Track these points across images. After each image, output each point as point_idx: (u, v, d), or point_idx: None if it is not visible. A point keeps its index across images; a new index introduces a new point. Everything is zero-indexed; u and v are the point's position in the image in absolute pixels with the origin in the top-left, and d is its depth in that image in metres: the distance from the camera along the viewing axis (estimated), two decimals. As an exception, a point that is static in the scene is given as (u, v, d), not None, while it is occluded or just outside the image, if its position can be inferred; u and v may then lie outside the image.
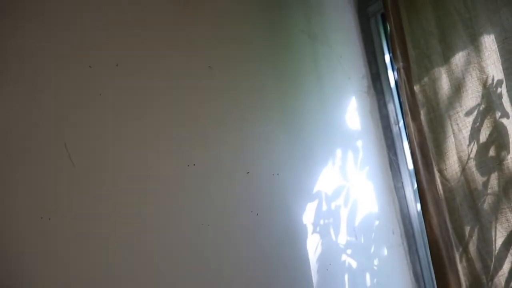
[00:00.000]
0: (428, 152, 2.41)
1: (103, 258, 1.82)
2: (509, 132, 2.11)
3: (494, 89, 2.16)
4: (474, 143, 2.22)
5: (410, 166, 2.72)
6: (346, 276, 2.39)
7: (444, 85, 2.31)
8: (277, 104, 2.49)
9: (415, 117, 2.45)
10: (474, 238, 2.20)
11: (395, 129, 2.82)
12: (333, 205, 2.53)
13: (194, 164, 2.18)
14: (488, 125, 2.17)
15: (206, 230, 2.13)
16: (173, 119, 2.14)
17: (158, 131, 2.09)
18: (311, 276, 2.31)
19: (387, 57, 2.90)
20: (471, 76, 2.22)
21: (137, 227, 1.93)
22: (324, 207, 2.49)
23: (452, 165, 2.30)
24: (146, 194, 1.99)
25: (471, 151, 2.24)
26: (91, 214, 1.83)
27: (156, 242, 1.96)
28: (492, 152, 2.18)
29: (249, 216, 2.29)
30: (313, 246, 2.37)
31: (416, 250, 2.58)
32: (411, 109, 2.47)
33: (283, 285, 2.26)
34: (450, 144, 2.30)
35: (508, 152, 2.12)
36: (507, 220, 2.11)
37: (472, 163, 2.24)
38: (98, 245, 1.82)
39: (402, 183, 2.73)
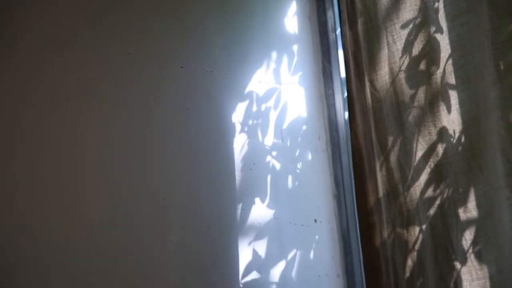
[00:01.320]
0: (362, 62, 2.42)
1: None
2: (441, 47, 2.13)
3: (432, 3, 2.17)
4: (406, 55, 2.25)
5: (343, 74, 2.74)
6: (269, 177, 2.44)
7: (384, -5, 2.31)
8: (218, 5, 2.46)
9: (352, 26, 2.45)
10: (396, 148, 2.27)
11: (331, 36, 2.82)
12: (263, 107, 2.54)
13: (129, 53, 2.13)
14: (422, 39, 2.19)
15: (135, 122, 2.12)
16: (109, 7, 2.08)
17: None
18: (235, 174, 2.34)
19: (329, -37, 2.85)
20: (411, -13, 2.22)
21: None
22: (254, 108, 2.50)
23: (383, 76, 2.33)
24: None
25: (403, 63, 2.27)
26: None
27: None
28: (422, 66, 2.21)
29: (179, 111, 2.28)
30: (239, 145, 2.39)
31: (340, 156, 2.64)
32: (349, 18, 2.46)
33: (208, 178, 2.29)
34: (383, 55, 2.32)
35: (438, 67, 2.16)
36: (429, 133, 2.17)
37: (402, 75, 2.27)
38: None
39: (333, 90, 2.76)
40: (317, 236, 2.47)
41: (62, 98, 2.08)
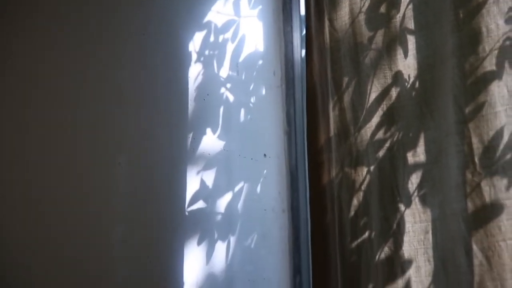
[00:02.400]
0: (322, 1, 2.41)
1: None
2: (403, -10, 2.14)
3: None
4: (368, -3, 2.25)
5: (303, 12, 2.71)
6: (221, 109, 2.42)
7: None
8: None
9: (314, -38, 2.43)
10: (350, 89, 2.28)
11: (293, -28, 2.78)
12: (220, 38, 2.50)
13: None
14: (384, -19, 2.19)
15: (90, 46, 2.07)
16: None
17: None
18: (188, 103, 2.32)
19: None
20: None
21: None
22: (212, 38, 2.46)
23: (343, 16, 2.32)
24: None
25: (363, 5, 2.27)
26: None
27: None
28: (383, 9, 2.21)
29: (137, 36, 2.24)
30: (194, 75, 2.36)
31: (293, 94, 2.64)
32: (311, -47, 2.44)
33: (160, 104, 2.27)
34: (345, -5, 2.31)
35: (398, 11, 2.16)
36: (384, 76, 2.19)
37: (362, 17, 2.27)
38: None
39: (292, 27, 2.73)
40: (265, 171, 2.48)
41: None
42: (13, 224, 1.95)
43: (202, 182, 2.28)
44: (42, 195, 1.99)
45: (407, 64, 2.14)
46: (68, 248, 1.98)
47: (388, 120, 2.17)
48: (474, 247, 1.84)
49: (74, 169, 2.06)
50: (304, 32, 2.65)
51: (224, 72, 2.47)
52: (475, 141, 1.90)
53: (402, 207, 2.07)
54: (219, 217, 2.31)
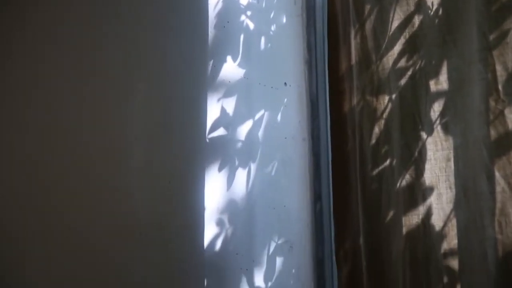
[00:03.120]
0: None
1: None
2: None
3: None
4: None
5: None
6: (242, 36, 2.40)
7: None
8: None
9: None
10: (372, 17, 2.25)
11: None
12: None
13: None
14: None
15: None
16: None
17: None
18: (208, 30, 2.30)
19: None
20: None
21: None
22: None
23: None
24: None
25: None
26: None
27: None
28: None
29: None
30: (214, 2, 2.33)
31: (314, 22, 2.60)
32: None
33: (180, 31, 2.25)
34: None
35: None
36: (407, 3, 2.16)
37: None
38: None
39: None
40: (285, 99, 2.48)
41: None
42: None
43: (223, 110, 2.28)
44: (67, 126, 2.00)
45: (430, -9, 2.11)
46: (90, 173, 2.01)
47: (410, 48, 2.15)
48: (496, 174, 1.86)
49: (93, 93, 2.06)
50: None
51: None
52: (499, 68, 1.88)
53: (424, 135, 2.07)
54: (239, 145, 2.32)
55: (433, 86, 2.07)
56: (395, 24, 2.20)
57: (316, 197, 2.49)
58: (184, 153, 2.22)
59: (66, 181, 1.94)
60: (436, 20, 2.09)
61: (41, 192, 1.85)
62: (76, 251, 1.93)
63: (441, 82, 2.06)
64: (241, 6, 2.42)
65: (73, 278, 1.89)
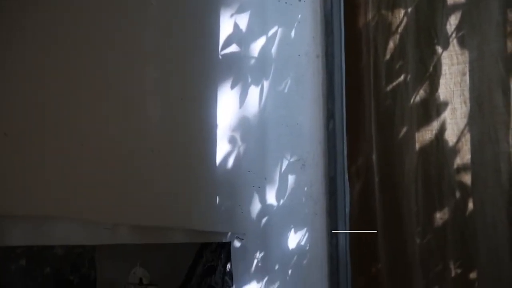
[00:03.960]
0: None
1: None
2: None
3: None
4: None
5: None
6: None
7: None
8: None
9: None
10: None
11: None
12: None
13: None
14: None
15: None
16: None
17: None
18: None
19: None
20: None
21: None
22: None
23: None
24: None
25: None
26: None
27: None
28: None
29: None
30: None
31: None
32: None
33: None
34: None
35: None
36: None
37: None
38: None
39: None
40: (299, 15, 2.43)
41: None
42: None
43: (236, 26, 2.24)
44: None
45: None
46: (103, 89, 1.99)
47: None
48: (512, 87, 1.83)
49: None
50: None
51: None
52: (518, -23, 1.83)
53: (439, 49, 2.03)
54: (252, 61, 2.29)
55: (450, -2, 2.02)
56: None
57: (329, 114, 2.47)
58: (196, 69, 2.19)
59: (79, 97, 1.93)
60: None
61: (54, 105, 1.84)
62: (91, 166, 1.93)
63: (458, -5, 2.00)
64: None
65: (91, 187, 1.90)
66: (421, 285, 2.07)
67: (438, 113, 2.03)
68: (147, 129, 2.06)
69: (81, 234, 1.81)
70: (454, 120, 2.00)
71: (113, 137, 1.95)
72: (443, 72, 2.02)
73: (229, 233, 2.18)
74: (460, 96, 1.99)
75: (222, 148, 2.20)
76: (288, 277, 2.33)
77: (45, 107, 1.76)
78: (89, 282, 1.79)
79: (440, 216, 2.04)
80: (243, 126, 2.26)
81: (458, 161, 1.99)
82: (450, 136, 2.00)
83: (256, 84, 2.29)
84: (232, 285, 2.14)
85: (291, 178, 2.38)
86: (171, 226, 2.04)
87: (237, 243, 2.19)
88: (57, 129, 1.79)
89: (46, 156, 1.74)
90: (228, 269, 2.14)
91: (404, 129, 2.11)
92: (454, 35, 2.01)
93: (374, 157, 2.20)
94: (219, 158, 2.19)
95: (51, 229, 1.74)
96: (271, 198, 2.31)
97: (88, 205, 1.82)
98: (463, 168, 1.99)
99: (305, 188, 2.41)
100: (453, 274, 2.03)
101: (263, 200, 2.29)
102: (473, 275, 2.00)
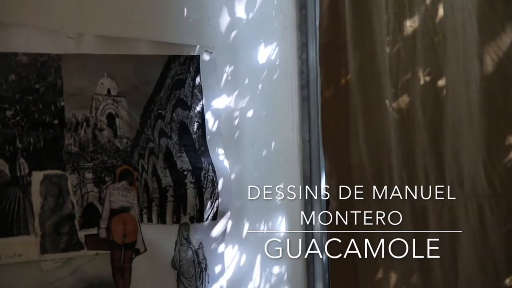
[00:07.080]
0: None
1: None
2: None
3: None
4: None
5: None
6: None
7: None
8: None
9: None
10: None
11: None
12: None
13: None
14: None
15: None
16: None
17: None
18: None
19: None
20: None
21: None
22: None
23: None
24: None
25: None
26: None
27: None
28: None
29: None
30: None
31: None
32: None
33: None
34: None
35: None
36: None
37: None
38: None
39: None
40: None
41: None
42: None
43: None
44: None
45: None
46: None
47: None
48: None
49: None
50: None
51: None
52: None
53: None
54: None
55: None
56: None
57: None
58: None
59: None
60: None
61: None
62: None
63: None
64: None
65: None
66: (390, 93, 2.09)
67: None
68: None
69: (44, 42, 1.76)
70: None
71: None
72: None
73: (198, 46, 2.13)
74: None
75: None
76: (258, 92, 2.33)
77: None
78: (56, 90, 1.77)
79: (410, 24, 2.02)
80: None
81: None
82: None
83: None
84: (202, 98, 2.13)
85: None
86: (137, 37, 2.00)
87: (206, 57, 2.15)
88: None
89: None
90: (197, 83, 2.12)
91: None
92: None
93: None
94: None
95: (10, 36, 1.69)
96: (240, 11, 2.25)
97: (49, 13, 1.77)
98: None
99: (275, 1, 2.36)
100: (422, 82, 2.04)
101: (232, 13, 2.23)
102: (441, 82, 2.02)
